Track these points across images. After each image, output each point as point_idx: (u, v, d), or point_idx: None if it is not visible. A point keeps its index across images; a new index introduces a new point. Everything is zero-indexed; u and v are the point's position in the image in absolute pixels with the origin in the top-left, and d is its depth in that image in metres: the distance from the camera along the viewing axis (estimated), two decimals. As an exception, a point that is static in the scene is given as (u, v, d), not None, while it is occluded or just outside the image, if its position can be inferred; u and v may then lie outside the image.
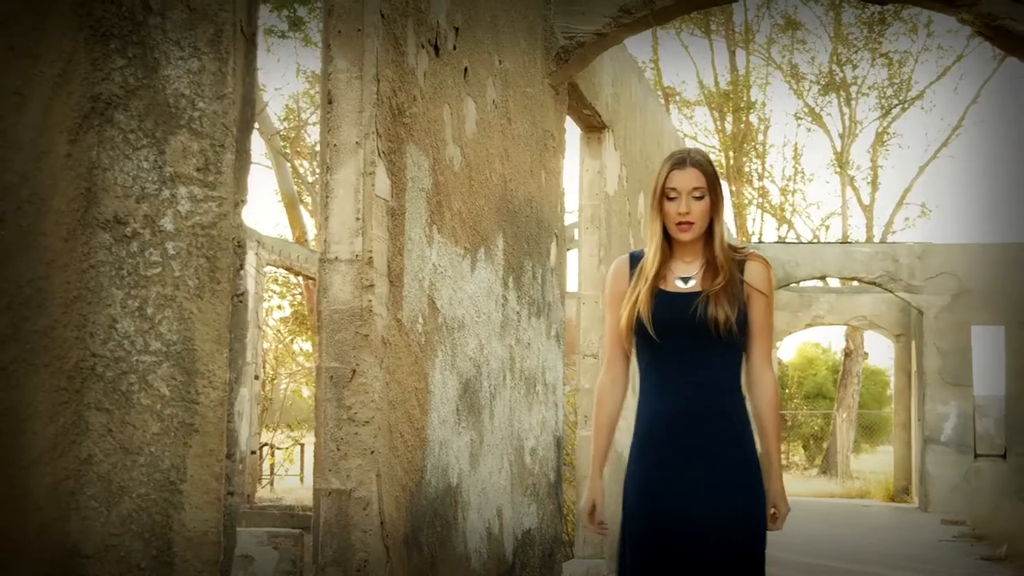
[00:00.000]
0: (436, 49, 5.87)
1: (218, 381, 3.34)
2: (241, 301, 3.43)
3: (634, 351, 4.04)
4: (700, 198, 3.89)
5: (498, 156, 6.91)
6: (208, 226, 3.39)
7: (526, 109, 7.52)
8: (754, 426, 3.97)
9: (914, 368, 22.08)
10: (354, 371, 4.98)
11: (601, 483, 4.06)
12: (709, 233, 3.93)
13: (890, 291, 20.89)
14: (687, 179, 3.89)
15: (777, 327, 24.30)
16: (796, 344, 42.22)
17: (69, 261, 3.27)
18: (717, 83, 33.25)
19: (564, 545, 9.88)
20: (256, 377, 18.84)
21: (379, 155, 5.08)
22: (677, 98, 34.36)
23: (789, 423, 36.89)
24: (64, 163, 3.25)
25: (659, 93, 32.12)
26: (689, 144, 24.22)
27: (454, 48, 6.14)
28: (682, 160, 3.95)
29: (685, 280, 3.92)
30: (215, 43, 3.43)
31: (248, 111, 3.50)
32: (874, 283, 20.88)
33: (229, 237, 3.41)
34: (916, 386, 21.70)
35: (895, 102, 33.83)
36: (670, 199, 3.90)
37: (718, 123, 33.59)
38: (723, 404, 3.90)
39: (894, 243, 23.63)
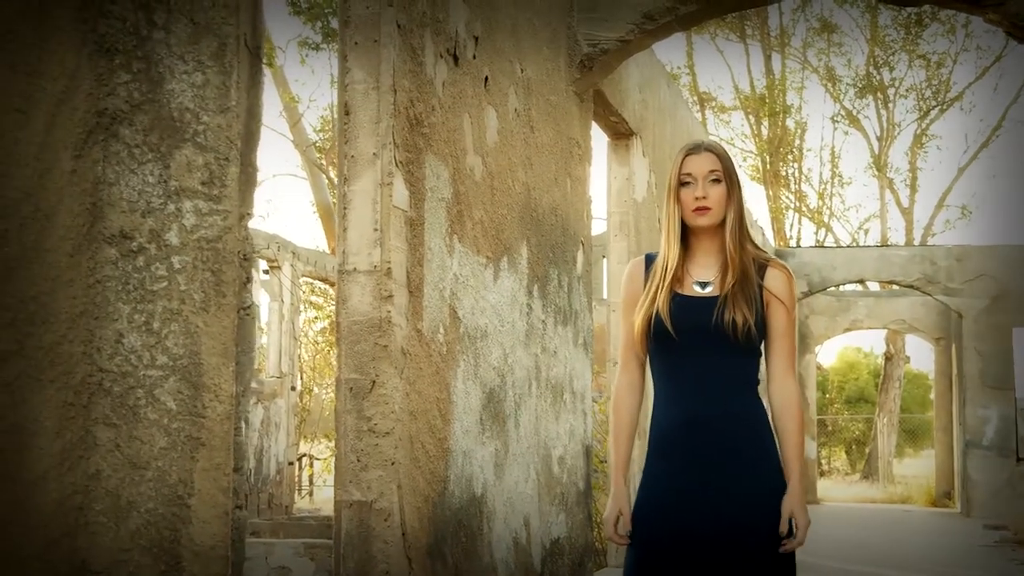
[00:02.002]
0: (455, 58, 5.86)
1: (224, 395, 3.33)
2: (248, 314, 3.43)
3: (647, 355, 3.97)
4: (717, 181, 3.82)
5: (521, 165, 6.89)
6: (213, 240, 3.38)
7: (550, 117, 7.50)
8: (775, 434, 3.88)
9: (954, 371, 21.89)
10: (374, 382, 4.97)
11: (626, 491, 3.97)
12: (726, 228, 3.86)
13: (928, 294, 20.72)
14: (702, 163, 3.82)
15: (815, 331, 24.17)
16: (837, 348, 41.96)
17: (75, 276, 3.27)
18: (753, 87, 33.13)
19: (596, 554, 9.84)
20: (293, 388, 18.90)
21: (397, 165, 5.07)
22: (713, 103, 34.25)
23: (830, 428, 36.67)
24: (69, 178, 3.26)
25: (694, 98, 32.05)
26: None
27: (474, 57, 6.13)
28: (696, 146, 3.90)
29: (703, 285, 3.84)
30: (219, 56, 3.43)
31: (253, 124, 3.50)
32: (912, 286, 20.72)
33: (234, 250, 3.40)
34: (957, 390, 21.51)
35: (933, 103, 33.60)
36: (685, 184, 3.84)
37: (754, 128, 33.46)
38: (741, 409, 3.80)
39: (932, 246, 23.43)
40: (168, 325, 3.35)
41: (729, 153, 3.96)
